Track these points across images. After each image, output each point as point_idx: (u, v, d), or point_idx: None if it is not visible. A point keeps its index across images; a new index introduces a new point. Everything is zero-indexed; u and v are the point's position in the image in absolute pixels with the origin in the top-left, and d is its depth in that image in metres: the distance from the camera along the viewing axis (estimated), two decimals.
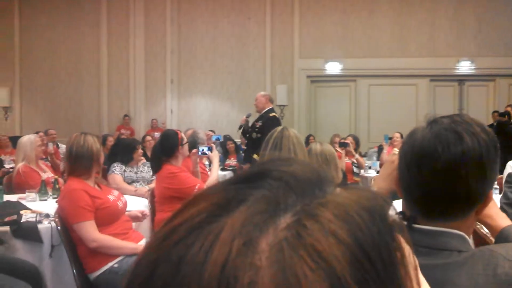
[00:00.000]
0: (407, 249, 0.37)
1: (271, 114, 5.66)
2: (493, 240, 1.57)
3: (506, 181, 1.81)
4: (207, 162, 5.21)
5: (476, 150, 0.97)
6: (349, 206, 0.34)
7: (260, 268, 0.30)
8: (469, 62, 10.92)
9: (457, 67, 10.99)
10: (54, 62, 11.78)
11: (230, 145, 8.19)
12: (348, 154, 6.67)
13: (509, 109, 8.74)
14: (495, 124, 9.44)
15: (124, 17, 11.67)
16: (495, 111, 9.88)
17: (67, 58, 11.77)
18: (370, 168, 7.07)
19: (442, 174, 0.98)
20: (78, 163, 2.74)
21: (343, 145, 6.63)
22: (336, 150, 6.55)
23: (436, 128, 1.01)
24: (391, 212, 0.37)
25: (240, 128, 6.05)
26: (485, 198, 1.03)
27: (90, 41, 11.72)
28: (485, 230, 1.60)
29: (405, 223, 1.06)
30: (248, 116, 5.98)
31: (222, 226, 0.31)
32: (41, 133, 7.18)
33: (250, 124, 5.90)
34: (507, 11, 10.85)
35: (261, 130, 5.56)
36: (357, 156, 6.78)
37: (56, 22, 11.73)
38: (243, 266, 0.30)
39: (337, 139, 7.79)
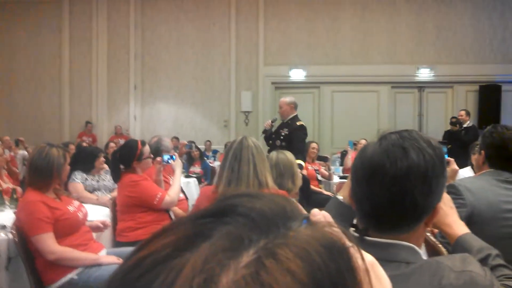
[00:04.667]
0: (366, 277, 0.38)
1: (298, 123, 5.46)
2: (442, 249, 1.63)
3: (449, 192, 1.88)
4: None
5: (421, 165, 1.01)
6: (309, 245, 0.34)
7: None
8: (428, 69, 11.23)
9: (417, 74, 11.28)
10: (13, 67, 11.48)
11: (195, 152, 8.15)
12: (313, 161, 6.77)
13: (462, 112, 8.98)
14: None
15: (87, 21, 11.46)
16: (453, 117, 10.17)
17: (26, 63, 11.47)
18: (333, 173, 7.16)
19: (390, 188, 1.02)
20: (37, 175, 2.67)
21: (322, 159, 6.75)
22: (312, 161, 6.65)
23: (385, 144, 1.05)
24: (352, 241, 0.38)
25: (263, 132, 5.75)
26: (432, 211, 1.08)
27: (51, 45, 11.46)
28: (433, 239, 1.66)
29: (357, 235, 1.09)
30: (273, 121, 5.71)
31: (185, 262, 0.32)
32: None
33: (273, 130, 5.66)
34: (464, 20, 11.22)
35: (287, 138, 5.37)
36: (322, 169, 6.84)
37: (15, 26, 11.43)
38: None
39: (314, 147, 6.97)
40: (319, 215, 0.68)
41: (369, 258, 0.42)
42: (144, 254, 0.34)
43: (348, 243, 0.37)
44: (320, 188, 6.54)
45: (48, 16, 11.45)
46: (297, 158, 4.60)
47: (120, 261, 2.73)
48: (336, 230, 0.38)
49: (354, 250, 0.37)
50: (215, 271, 0.31)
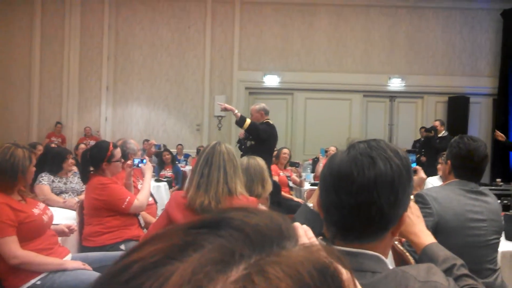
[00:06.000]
0: None
1: (265, 121, 5.55)
2: (410, 257, 1.64)
3: (416, 201, 1.91)
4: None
5: (388, 174, 1.02)
6: (301, 265, 0.34)
7: None
8: (399, 79, 11.44)
9: (389, 84, 11.48)
10: None
11: (167, 156, 8.07)
12: (285, 168, 6.80)
13: (437, 123, 9.17)
14: (422, 139, 9.92)
15: (59, 20, 11.27)
16: (422, 127, 10.40)
17: None
18: (304, 180, 7.21)
19: (357, 197, 1.02)
20: (1, 177, 2.59)
21: (293, 165, 6.79)
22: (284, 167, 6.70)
23: (353, 153, 1.05)
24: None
25: (238, 142, 5.87)
26: (399, 220, 1.09)
27: (22, 43, 11.22)
28: (400, 247, 1.68)
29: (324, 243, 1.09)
30: None
31: (173, 270, 0.32)
32: None
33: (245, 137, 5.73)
34: (436, 32, 11.49)
35: (255, 136, 5.43)
36: (293, 176, 6.87)
37: None
38: None
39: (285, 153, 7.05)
40: (300, 229, 0.67)
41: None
42: (134, 258, 0.34)
43: (342, 269, 0.37)
44: (291, 194, 6.56)
45: (19, 14, 11.20)
46: (264, 154, 4.65)
47: (86, 266, 2.69)
48: (331, 252, 0.38)
49: (347, 277, 0.37)
50: (202, 283, 0.31)
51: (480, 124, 11.50)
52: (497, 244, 2.30)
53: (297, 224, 0.61)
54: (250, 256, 0.34)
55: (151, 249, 0.35)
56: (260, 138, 5.32)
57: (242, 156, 4.80)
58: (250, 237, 0.36)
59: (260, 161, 3.09)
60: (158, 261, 0.33)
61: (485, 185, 6.62)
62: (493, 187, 7.48)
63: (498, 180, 8.44)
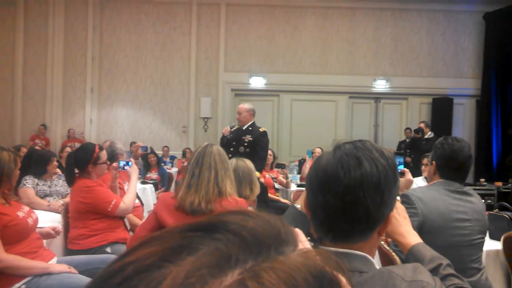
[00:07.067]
0: None
1: (261, 130, 5.53)
2: (396, 257, 1.66)
3: (402, 201, 1.93)
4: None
5: (374, 175, 1.03)
6: (298, 272, 0.33)
7: None
8: (384, 81, 11.53)
9: (374, 86, 11.56)
10: None
11: (152, 158, 8.03)
12: (271, 169, 6.81)
13: (422, 125, 9.28)
14: (408, 140, 10.02)
15: (43, 21, 11.15)
16: (407, 128, 10.50)
17: None
18: (290, 181, 7.22)
19: (343, 197, 1.02)
20: None
21: (280, 166, 6.81)
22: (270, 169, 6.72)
23: (339, 154, 1.06)
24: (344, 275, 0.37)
25: (221, 139, 5.69)
26: (385, 220, 1.09)
27: (5, 44, 11.07)
28: (387, 248, 1.69)
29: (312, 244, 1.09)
30: (232, 127, 5.68)
31: (167, 274, 0.31)
32: None
33: (230, 136, 5.60)
34: (420, 34, 11.60)
35: (251, 145, 5.39)
36: (280, 177, 6.88)
37: None
38: None
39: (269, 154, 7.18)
40: (301, 234, 0.67)
41: None
42: (129, 260, 0.34)
43: (341, 276, 0.37)
44: (277, 196, 6.57)
45: (1, 15, 11.05)
46: (258, 167, 4.63)
47: (72, 269, 2.66)
48: (328, 258, 0.37)
49: (345, 284, 0.37)
50: (196, 286, 0.31)
51: (464, 125, 11.65)
52: (482, 243, 2.33)
53: (298, 230, 0.61)
54: (245, 260, 0.33)
55: (145, 251, 0.34)
56: (258, 153, 5.33)
57: (228, 155, 4.75)
58: (246, 241, 0.35)
59: (248, 163, 3.10)
60: (152, 263, 0.33)
61: (469, 185, 6.70)
62: (477, 187, 7.58)
63: (482, 180, 8.56)
